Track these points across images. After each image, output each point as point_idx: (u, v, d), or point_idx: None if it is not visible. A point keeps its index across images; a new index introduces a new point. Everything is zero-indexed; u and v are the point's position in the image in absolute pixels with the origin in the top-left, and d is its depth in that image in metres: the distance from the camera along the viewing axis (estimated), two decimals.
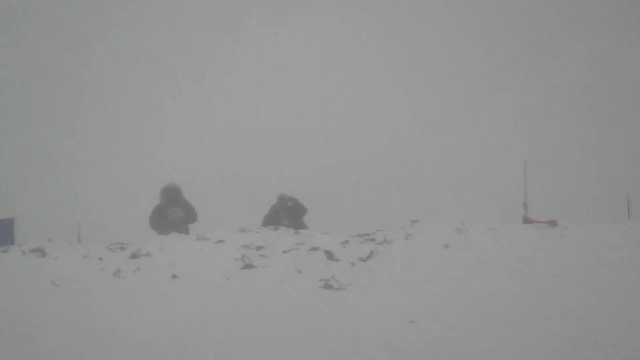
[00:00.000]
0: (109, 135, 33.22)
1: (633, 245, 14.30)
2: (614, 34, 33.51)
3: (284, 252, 14.74)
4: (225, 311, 11.92)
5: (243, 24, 36.32)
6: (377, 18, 35.37)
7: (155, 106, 34.42)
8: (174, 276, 13.44)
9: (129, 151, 32.58)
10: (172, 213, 17.69)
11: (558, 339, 10.39)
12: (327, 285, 13.23)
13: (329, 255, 14.55)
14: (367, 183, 28.92)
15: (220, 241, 15.18)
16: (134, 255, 14.35)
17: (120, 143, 33.03)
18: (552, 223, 16.59)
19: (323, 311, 11.97)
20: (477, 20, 34.79)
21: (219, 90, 35.33)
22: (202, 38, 36.14)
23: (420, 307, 11.85)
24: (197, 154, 31.96)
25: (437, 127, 32.10)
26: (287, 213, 19.12)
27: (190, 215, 17.93)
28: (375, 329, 11.09)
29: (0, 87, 33.65)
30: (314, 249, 14.83)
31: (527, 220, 17.29)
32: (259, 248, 14.88)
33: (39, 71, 34.84)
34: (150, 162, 30.47)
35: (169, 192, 18.09)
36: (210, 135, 33.46)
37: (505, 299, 12.15)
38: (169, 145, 32.92)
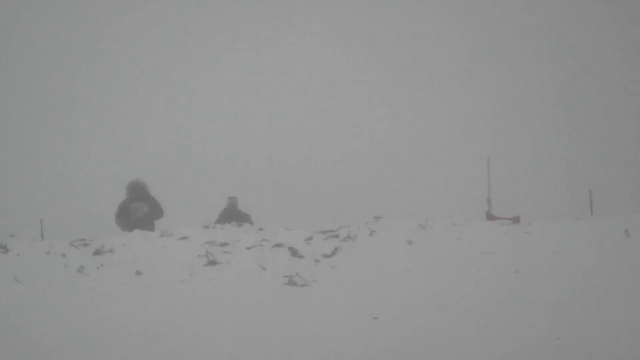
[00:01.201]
0: (76, 130, 33.03)
1: (594, 242, 14.32)
2: (579, 31, 33.65)
3: (248, 248, 14.70)
4: (188, 307, 11.84)
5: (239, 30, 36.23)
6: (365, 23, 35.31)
7: (127, 103, 34.25)
8: (137, 272, 13.38)
9: (96, 147, 32.42)
10: (136, 209, 17.62)
11: (520, 334, 10.36)
12: (291, 282, 13.19)
13: (293, 251, 14.53)
14: (332, 180, 28.92)
15: (184, 237, 15.13)
16: (97, 252, 14.28)
17: (87, 138, 32.86)
18: (516, 220, 16.63)
19: (286, 308, 11.92)
20: (451, 20, 34.85)
21: (192, 89, 35.28)
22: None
23: (384, 304, 11.80)
24: (165, 150, 31.86)
25: (403, 125, 32.11)
26: (237, 216, 19.18)
27: (155, 211, 17.85)
28: (338, 325, 11.04)
29: None
30: (278, 245, 14.81)
31: (490, 217, 17.33)
32: (222, 244, 14.83)
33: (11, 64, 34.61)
34: (118, 157, 30.35)
35: (134, 188, 18.00)
36: (179, 132, 33.38)
37: (468, 295, 12.11)
38: (138, 141, 32.78)
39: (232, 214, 19.55)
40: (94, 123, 33.17)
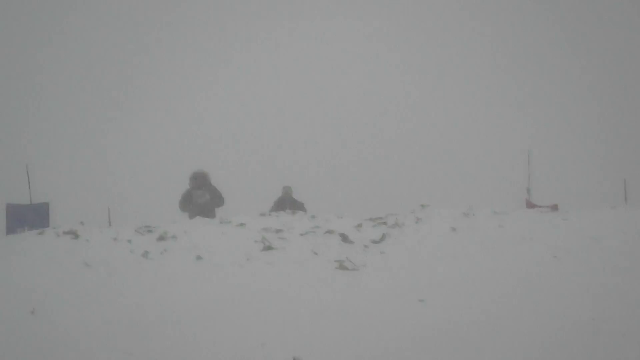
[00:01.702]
0: (140, 126, 33.23)
1: (629, 229, 14.27)
2: (617, 31, 33.30)
3: (301, 234, 14.77)
4: (246, 290, 11.95)
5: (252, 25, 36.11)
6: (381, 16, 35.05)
7: (181, 100, 34.40)
8: (198, 257, 13.47)
9: (161, 140, 32.60)
10: (198, 196, 17.81)
11: (558, 316, 10.38)
12: (342, 266, 13.27)
13: (344, 237, 14.58)
14: (380, 171, 28.92)
15: (241, 224, 15.22)
16: (161, 238, 14.39)
17: (151, 132, 33.04)
18: (554, 207, 16.58)
19: (338, 290, 12.00)
20: (485, 14, 34.55)
21: (236, 86, 35.30)
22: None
23: (429, 287, 11.86)
24: (223, 144, 31.97)
25: (447, 118, 32.02)
26: (291, 204, 19.26)
27: (216, 199, 18.06)
28: (386, 306, 11.11)
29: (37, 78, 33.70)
30: (330, 232, 14.86)
31: (530, 205, 17.28)
32: (277, 231, 14.91)
33: (71, 65, 34.85)
34: (181, 150, 30.50)
35: (197, 177, 18.23)
36: (234, 128, 33.46)
37: (509, 280, 12.14)
38: (198, 134, 32.90)
39: (287, 202, 19.63)
40: (153, 118, 33.34)
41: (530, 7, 33.89)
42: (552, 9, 33.49)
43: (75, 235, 14.41)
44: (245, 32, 35.01)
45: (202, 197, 17.81)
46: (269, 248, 14.01)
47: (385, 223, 15.48)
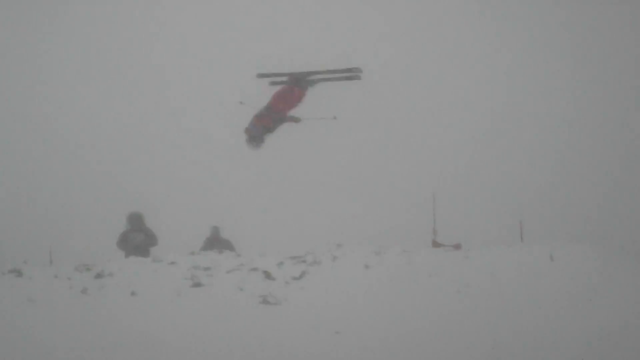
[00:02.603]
0: (81, 165, 32.63)
1: (524, 266, 14.41)
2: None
3: (228, 272, 14.74)
4: (176, 323, 11.90)
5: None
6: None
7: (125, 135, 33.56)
8: (133, 293, 13.38)
9: (101, 179, 32.03)
10: (133, 238, 17.67)
11: (460, 344, 10.47)
12: (265, 301, 13.29)
13: (267, 274, 14.58)
14: (299, 209, 28.88)
15: (172, 263, 15.16)
16: (98, 275, 14.28)
17: (92, 172, 32.42)
18: (457, 246, 16.69)
19: (260, 323, 12.00)
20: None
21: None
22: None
23: (345, 320, 11.91)
24: (158, 184, 31.58)
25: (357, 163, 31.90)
26: (219, 243, 19.22)
27: (151, 239, 17.91)
28: (306, 338, 11.13)
29: None
30: (254, 269, 14.86)
31: (435, 244, 17.35)
32: (206, 269, 14.87)
33: None
34: (122, 188, 30.07)
35: (132, 219, 18.07)
36: (170, 169, 32.97)
37: (417, 312, 12.23)
38: (138, 174, 32.34)
39: (215, 241, 19.58)
40: (100, 159, 32.69)
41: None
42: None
43: (19, 273, 14.26)
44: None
45: (136, 238, 17.68)
46: (198, 285, 13.97)
47: (304, 261, 15.47)
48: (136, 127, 32.47)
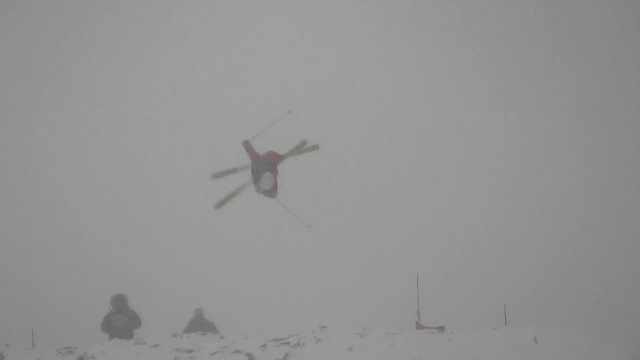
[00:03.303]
0: (65, 247, 32.40)
1: (508, 348, 14.37)
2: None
3: (211, 354, 14.66)
4: None
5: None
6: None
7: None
8: None
9: (85, 261, 31.80)
10: (116, 320, 17.55)
11: None
12: None
13: (250, 357, 14.52)
14: (282, 291, 28.76)
15: (155, 345, 15.07)
16: (81, 358, 14.16)
17: (75, 253, 32.18)
18: (441, 329, 16.68)
19: None
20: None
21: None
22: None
23: None
24: (144, 265, 31.36)
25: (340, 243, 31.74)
26: (202, 325, 19.21)
27: (134, 321, 17.79)
28: None
29: None
30: (237, 351, 14.81)
31: (419, 326, 17.34)
32: (189, 351, 14.80)
33: None
34: (105, 270, 29.89)
35: (115, 301, 17.97)
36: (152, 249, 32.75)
37: None
38: (121, 256, 32.15)
39: (199, 323, 19.54)
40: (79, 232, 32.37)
41: None
42: None
43: (1, 357, 14.13)
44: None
45: (120, 321, 17.58)
46: None
47: (288, 343, 15.41)
48: (119, 208, 32.48)
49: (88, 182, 33.02)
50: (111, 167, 33.16)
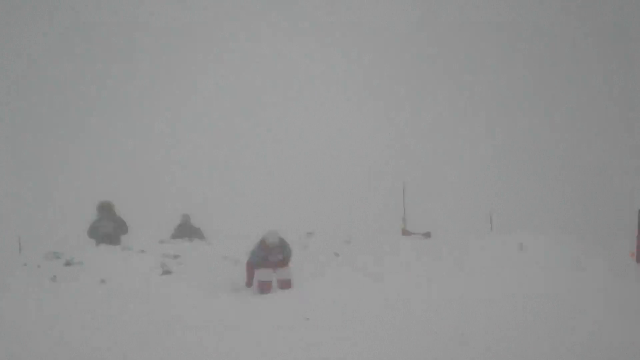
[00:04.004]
0: (54, 154, 32.23)
1: (494, 254, 14.43)
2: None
3: (198, 260, 14.72)
4: (146, 310, 11.86)
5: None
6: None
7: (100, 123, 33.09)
8: (102, 281, 13.27)
9: (74, 167, 31.61)
10: (103, 226, 17.53)
11: (431, 329, 10.50)
12: (234, 287, 13.36)
13: (235, 261, 14.58)
14: (271, 196, 28.73)
15: (142, 251, 15.11)
16: (68, 263, 14.18)
17: (65, 160, 32.00)
18: (427, 235, 16.72)
19: (232, 307, 12.06)
20: None
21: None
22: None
23: (314, 308, 11.92)
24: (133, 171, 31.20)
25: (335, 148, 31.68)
26: (189, 231, 19.25)
27: (120, 227, 17.76)
28: (276, 321, 11.18)
29: None
30: (224, 257, 14.87)
31: (405, 232, 17.37)
32: (175, 257, 14.83)
33: None
34: (93, 177, 29.77)
35: (102, 208, 17.92)
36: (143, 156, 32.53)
37: (386, 298, 12.24)
38: (110, 162, 31.98)
39: (186, 229, 19.55)
40: (73, 146, 32.26)
41: None
42: None
43: None
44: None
45: (106, 227, 17.55)
46: (167, 272, 13.89)
47: None
48: (109, 115, 32.36)
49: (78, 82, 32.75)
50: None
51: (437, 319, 11.12)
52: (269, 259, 13.68)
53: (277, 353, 10.00)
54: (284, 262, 13.80)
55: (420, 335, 10.43)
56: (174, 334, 10.77)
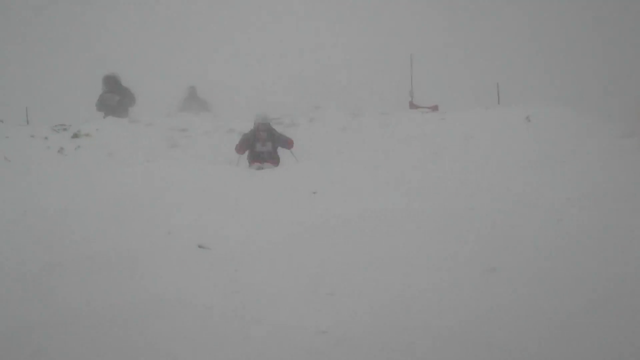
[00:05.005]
0: (59, 26, 31.91)
1: (501, 127, 14.36)
2: None
3: (204, 133, 14.69)
4: (152, 183, 11.86)
5: None
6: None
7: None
8: (109, 153, 13.29)
9: (79, 40, 31.35)
10: (109, 99, 17.44)
11: (438, 207, 10.43)
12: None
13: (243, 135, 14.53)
14: (277, 73, 28.49)
15: (150, 124, 15.06)
16: (75, 135, 14.20)
17: (70, 33, 31.71)
18: (434, 108, 16.64)
19: (236, 181, 12.04)
20: None
21: None
22: None
23: (320, 181, 11.86)
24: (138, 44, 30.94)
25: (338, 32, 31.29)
26: (195, 103, 19.12)
27: (127, 99, 17.66)
28: (282, 197, 11.14)
29: None
30: (230, 130, 14.80)
31: (412, 106, 17.30)
32: (183, 130, 14.80)
33: None
34: (99, 50, 29.51)
35: (107, 80, 17.81)
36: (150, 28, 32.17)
37: (392, 173, 12.19)
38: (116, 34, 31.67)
39: (193, 100, 19.45)
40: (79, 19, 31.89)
41: None
42: None
43: None
44: None
45: (112, 100, 17.45)
46: (174, 146, 13.89)
47: (281, 123, 15.40)
48: None
49: None
50: None
51: (445, 188, 11.08)
52: (257, 149, 13.53)
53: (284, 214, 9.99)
54: (273, 157, 13.62)
55: (430, 198, 10.35)
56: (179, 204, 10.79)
